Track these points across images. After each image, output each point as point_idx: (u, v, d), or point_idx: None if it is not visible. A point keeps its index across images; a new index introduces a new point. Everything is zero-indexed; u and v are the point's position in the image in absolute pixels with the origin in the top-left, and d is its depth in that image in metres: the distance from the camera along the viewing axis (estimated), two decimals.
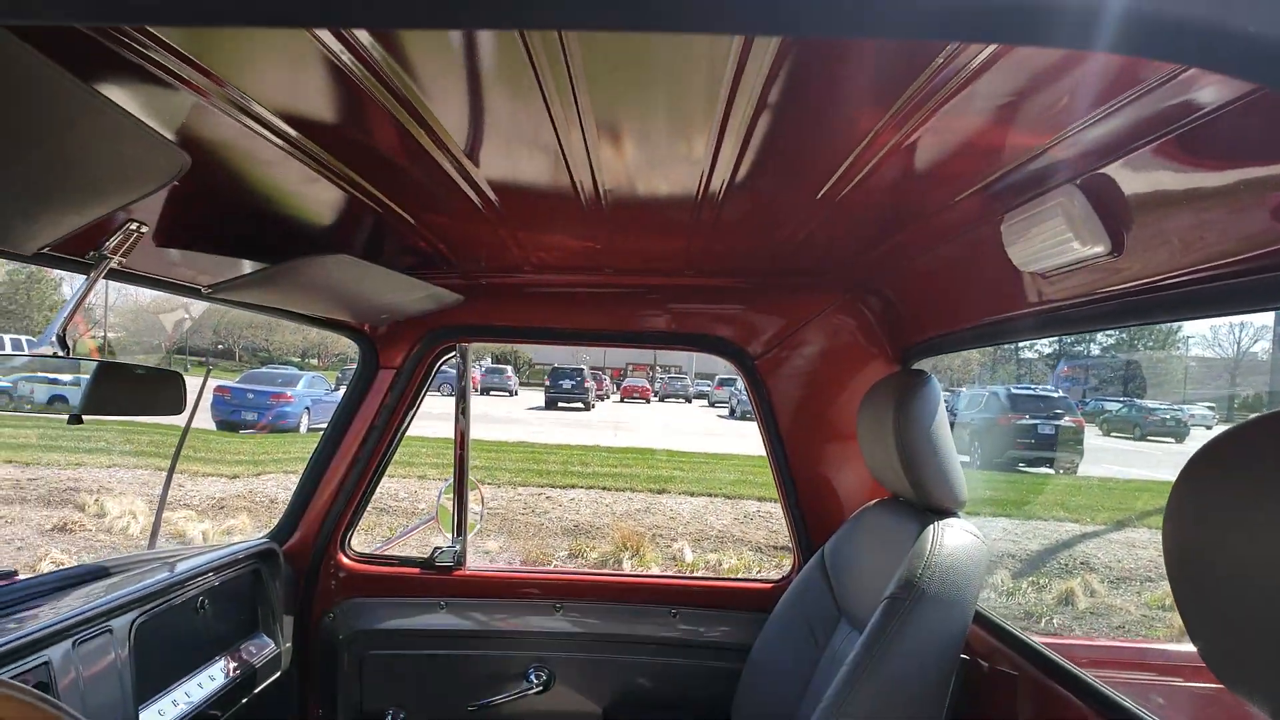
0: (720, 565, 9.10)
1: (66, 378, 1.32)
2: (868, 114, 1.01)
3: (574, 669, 2.21)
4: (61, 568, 1.73)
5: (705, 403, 36.92)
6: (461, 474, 2.39)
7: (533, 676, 2.20)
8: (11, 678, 1.20)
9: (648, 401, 34.80)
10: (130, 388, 1.42)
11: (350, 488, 2.26)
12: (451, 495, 2.39)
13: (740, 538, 10.43)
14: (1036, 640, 1.55)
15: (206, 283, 1.63)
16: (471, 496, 2.42)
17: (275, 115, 1.03)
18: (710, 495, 12.70)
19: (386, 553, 2.39)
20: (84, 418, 1.28)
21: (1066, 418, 15.80)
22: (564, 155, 1.17)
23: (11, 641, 1.22)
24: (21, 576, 1.59)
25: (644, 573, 8.78)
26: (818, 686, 1.75)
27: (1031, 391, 16.94)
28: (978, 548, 1.52)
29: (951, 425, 1.68)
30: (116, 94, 0.90)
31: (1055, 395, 16.50)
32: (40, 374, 1.29)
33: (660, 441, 19.03)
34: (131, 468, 12.70)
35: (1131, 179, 1.04)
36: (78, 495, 10.67)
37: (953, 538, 1.52)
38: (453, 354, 2.34)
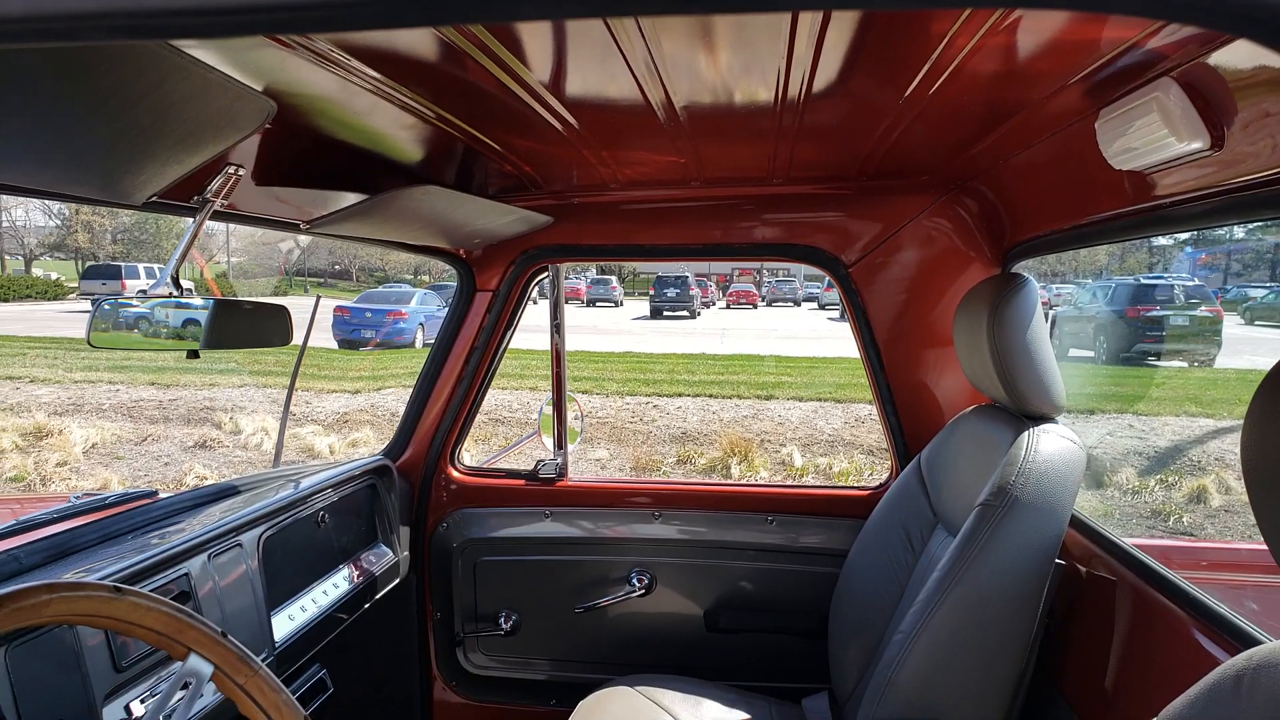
0: (830, 469, 9.14)
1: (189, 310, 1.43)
2: (950, 11, 0.98)
3: (674, 573, 2.30)
4: (196, 487, 1.90)
5: (815, 305, 36.42)
6: (559, 389, 2.47)
7: (635, 580, 2.31)
8: (156, 589, 1.34)
9: (754, 307, 34.57)
10: (241, 322, 1.53)
11: (456, 405, 2.37)
12: (551, 410, 2.48)
13: (851, 441, 10.41)
14: (1132, 544, 1.54)
15: (306, 217, 1.71)
16: (571, 410, 2.51)
17: (358, 60, 1.07)
18: (820, 400, 12.66)
19: (493, 466, 2.51)
20: (201, 353, 1.39)
21: (1202, 307, 14.99)
22: (634, 71, 1.18)
23: (155, 556, 1.36)
24: (162, 496, 1.75)
25: (741, 481, 8.89)
26: (913, 591, 1.79)
27: (1162, 281, 16.07)
28: (1074, 454, 1.50)
29: (1073, 320, 1.64)
30: (202, 53, 0.95)
31: (1189, 283, 15.61)
32: (171, 300, 1.40)
33: (768, 348, 18.97)
34: (261, 386, 13.49)
35: (1231, 69, 0.98)
36: (214, 414, 11.43)
37: (1048, 444, 1.50)
38: (546, 274, 2.39)
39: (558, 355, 2.45)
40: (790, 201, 2.17)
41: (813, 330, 23.28)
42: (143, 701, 1.19)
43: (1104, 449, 9.51)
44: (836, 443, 10.45)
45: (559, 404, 2.47)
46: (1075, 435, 1.54)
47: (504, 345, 2.41)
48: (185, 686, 0.91)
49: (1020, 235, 1.90)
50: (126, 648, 1.24)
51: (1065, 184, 1.56)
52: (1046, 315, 1.67)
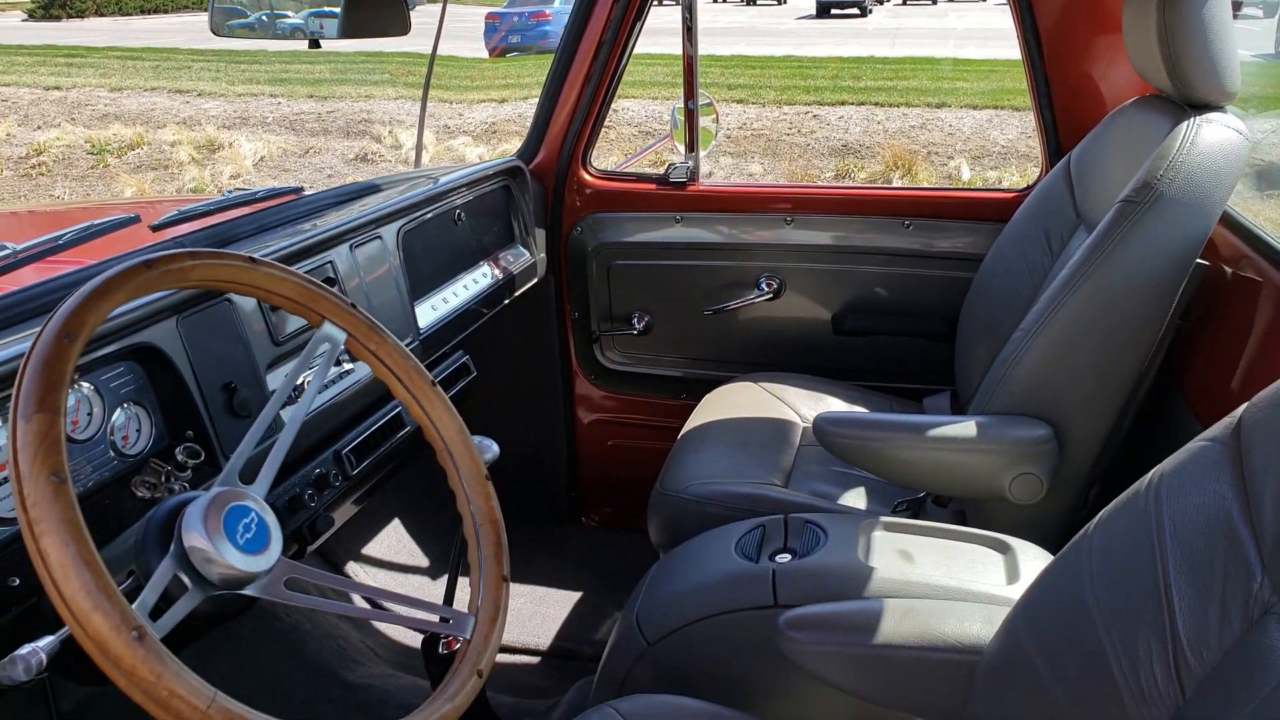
0: (1000, 183, 8.71)
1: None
2: None
3: (803, 278, 2.34)
4: (337, 186, 2.03)
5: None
6: (691, 90, 2.42)
7: (764, 285, 2.37)
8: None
9: (934, 2, 31.57)
10: (359, 13, 1.56)
11: (585, 106, 2.38)
12: (683, 113, 2.46)
13: (1025, 153, 9.81)
14: None
15: None
16: (706, 113, 2.47)
17: None
18: (996, 108, 11.82)
19: (625, 169, 2.55)
20: (321, 43, 1.45)
21: None
22: None
23: (299, 243, 1.50)
24: (307, 193, 1.89)
25: (877, 185, 8.57)
26: (1045, 293, 1.77)
27: None
28: (1235, 145, 1.39)
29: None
30: None
31: None
32: None
33: (946, 51, 17.55)
34: (414, 99, 13.73)
35: None
36: (372, 127, 11.82)
37: (1208, 134, 1.40)
38: None
39: (689, 62, 2.38)
40: None
41: (1004, 29, 21.26)
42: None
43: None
44: (1010, 155, 9.88)
45: (690, 106, 2.43)
46: (1242, 125, 1.41)
47: (632, 42, 2.35)
48: (324, 347, 1.04)
49: None
50: (282, 325, 1.42)
51: None
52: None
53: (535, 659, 2.21)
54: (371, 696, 1.89)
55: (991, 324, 1.86)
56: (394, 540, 2.51)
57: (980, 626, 1.12)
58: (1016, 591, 1.26)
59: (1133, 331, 1.44)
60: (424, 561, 2.51)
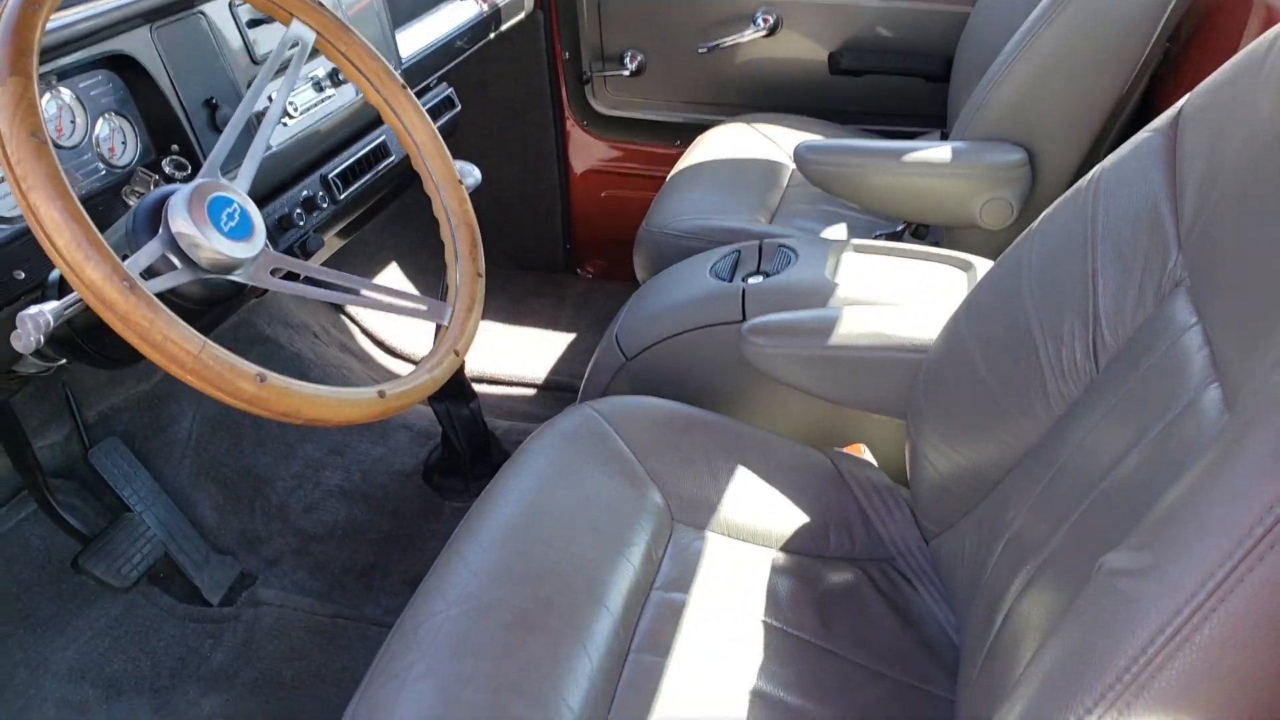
0: None
1: None
2: None
3: (801, 13, 2.29)
4: None
5: None
6: None
7: (760, 20, 2.32)
8: None
9: None
10: None
11: None
12: None
13: None
14: None
15: None
16: None
17: None
18: None
19: None
20: None
21: None
22: None
23: None
24: None
25: None
26: None
27: None
28: None
29: None
30: None
31: None
32: None
33: None
34: None
35: None
36: None
37: None
38: None
39: None
40: None
41: None
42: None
43: None
44: None
45: None
46: None
47: None
48: (294, 47, 1.07)
49: None
50: (259, 43, 1.43)
51: None
52: None
53: (531, 391, 2.36)
54: None
55: (983, 62, 1.84)
56: (390, 282, 2.61)
57: (929, 329, 1.21)
58: None
59: (1113, 55, 1.44)
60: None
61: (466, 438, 1.85)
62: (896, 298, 1.37)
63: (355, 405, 0.87)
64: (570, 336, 2.56)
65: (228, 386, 0.77)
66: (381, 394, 0.90)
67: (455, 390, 1.80)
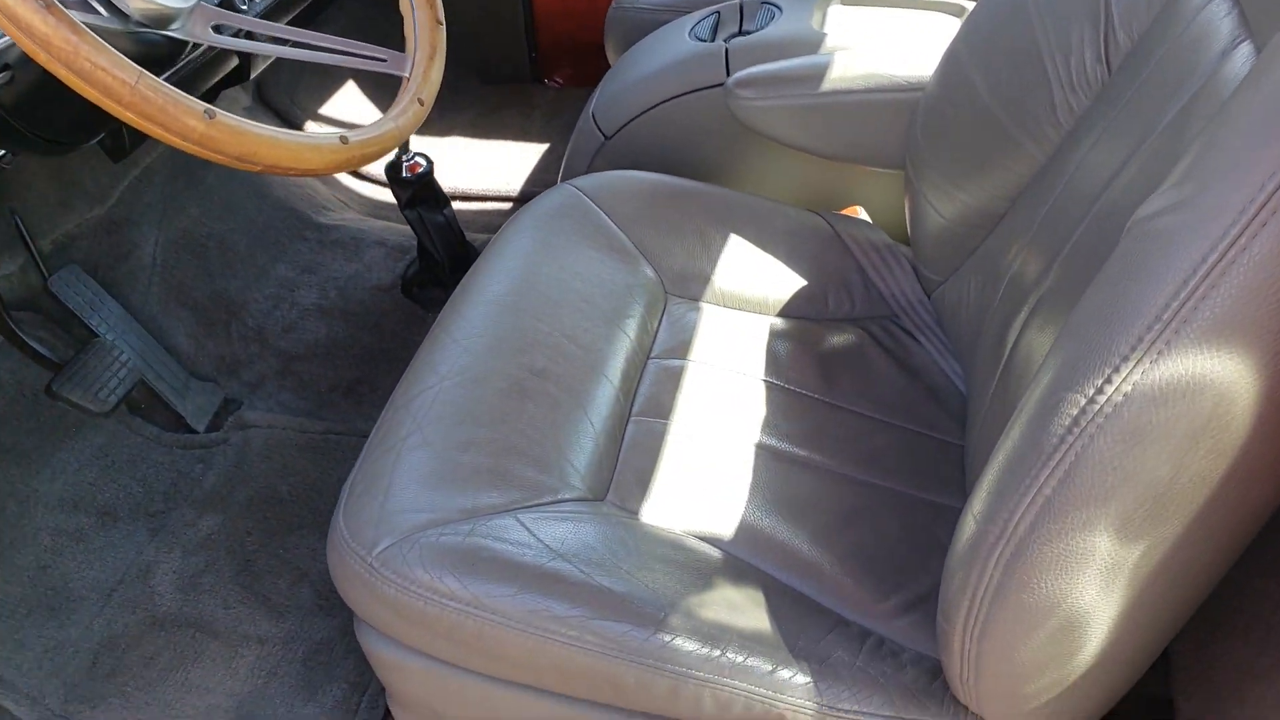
0: None
1: None
2: None
3: None
4: None
5: None
6: None
7: None
8: None
9: None
10: None
11: None
12: None
13: None
14: None
15: None
16: None
17: None
18: None
19: None
20: None
21: None
22: None
23: None
24: None
25: None
26: None
27: None
28: None
29: None
30: None
31: None
32: None
33: None
34: None
35: None
36: None
37: None
38: None
39: None
40: None
41: None
42: None
43: None
44: None
45: None
46: None
47: None
48: None
49: None
50: None
51: None
52: None
53: (507, 205, 2.29)
54: (345, 235, 1.98)
55: None
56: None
57: (925, 66, 1.14)
58: None
59: None
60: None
61: (443, 245, 1.79)
62: (889, 39, 1.30)
63: (317, 150, 0.81)
64: (543, 147, 2.47)
65: (173, 124, 0.71)
66: (344, 139, 0.84)
67: (427, 194, 1.73)
